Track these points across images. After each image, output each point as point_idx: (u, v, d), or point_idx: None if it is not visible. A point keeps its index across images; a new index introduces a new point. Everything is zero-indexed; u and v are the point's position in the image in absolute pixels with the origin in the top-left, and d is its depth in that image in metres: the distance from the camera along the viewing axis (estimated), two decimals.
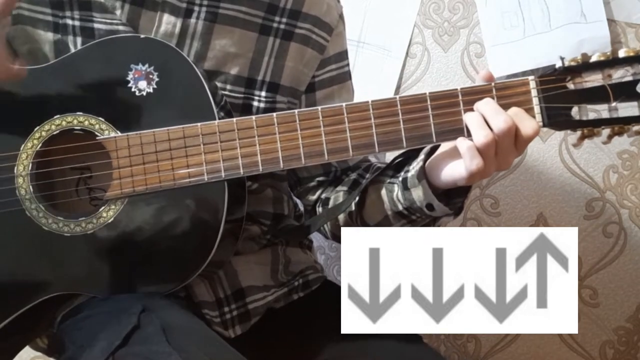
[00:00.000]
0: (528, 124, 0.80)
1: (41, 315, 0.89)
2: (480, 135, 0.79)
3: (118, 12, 0.91)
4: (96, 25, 0.91)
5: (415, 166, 0.89)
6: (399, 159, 0.94)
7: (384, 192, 0.95)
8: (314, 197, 1.05)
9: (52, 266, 0.85)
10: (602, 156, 1.33)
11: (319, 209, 1.04)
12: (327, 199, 1.02)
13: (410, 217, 0.93)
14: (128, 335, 0.73)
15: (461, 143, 0.81)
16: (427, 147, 0.88)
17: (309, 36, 0.99)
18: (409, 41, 1.37)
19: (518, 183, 1.36)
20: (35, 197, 0.85)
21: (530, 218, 1.36)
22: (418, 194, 0.88)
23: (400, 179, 0.92)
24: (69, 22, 0.91)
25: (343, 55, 1.06)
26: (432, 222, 0.93)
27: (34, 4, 0.92)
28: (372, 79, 1.37)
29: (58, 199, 0.87)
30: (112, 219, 0.85)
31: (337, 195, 1.01)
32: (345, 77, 1.06)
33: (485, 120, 0.80)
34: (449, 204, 0.89)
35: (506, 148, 0.80)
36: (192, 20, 0.93)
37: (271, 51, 0.97)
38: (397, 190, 0.92)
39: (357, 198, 0.96)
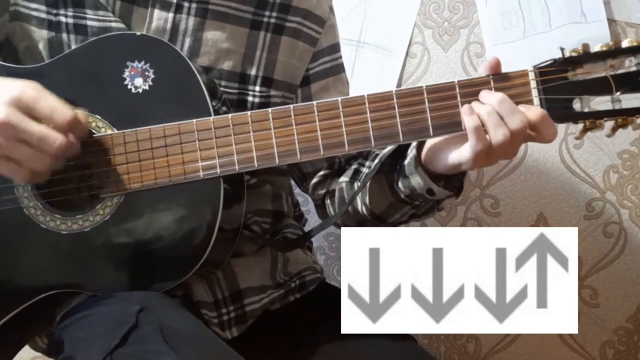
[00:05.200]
0: (550, 130, 0.79)
1: (40, 314, 0.89)
2: (499, 134, 0.78)
3: (110, 8, 0.91)
4: (89, 23, 0.91)
5: (409, 154, 0.89)
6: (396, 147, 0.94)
7: (384, 181, 0.95)
8: (323, 191, 1.05)
9: (50, 264, 0.85)
10: (602, 156, 1.33)
11: (327, 202, 1.04)
12: (333, 191, 1.03)
13: (413, 202, 0.93)
14: (126, 335, 0.73)
15: (468, 121, 0.79)
16: None
17: (300, 30, 1.00)
18: (409, 41, 1.37)
19: (518, 183, 1.36)
20: (33, 194, 0.85)
21: (530, 218, 1.36)
22: (417, 180, 0.88)
23: (399, 167, 0.92)
24: (63, 19, 0.92)
25: (336, 47, 1.06)
26: (436, 204, 0.94)
27: (30, 0, 0.92)
28: (372, 79, 1.37)
29: (56, 197, 0.87)
30: (108, 216, 0.85)
31: (340, 187, 1.01)
32: (340, 69, 1.06)
33: (502, 118, 0.78)
34: (448, 185, 0.89)
35: (518, 143, 0.80)
36: (183, 16, 0.93)
37: (263, 46, 0.97)
38: (396, 178, 0.92)
39: (350, 203, 0.96)
